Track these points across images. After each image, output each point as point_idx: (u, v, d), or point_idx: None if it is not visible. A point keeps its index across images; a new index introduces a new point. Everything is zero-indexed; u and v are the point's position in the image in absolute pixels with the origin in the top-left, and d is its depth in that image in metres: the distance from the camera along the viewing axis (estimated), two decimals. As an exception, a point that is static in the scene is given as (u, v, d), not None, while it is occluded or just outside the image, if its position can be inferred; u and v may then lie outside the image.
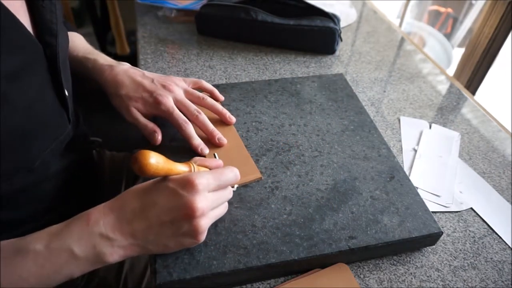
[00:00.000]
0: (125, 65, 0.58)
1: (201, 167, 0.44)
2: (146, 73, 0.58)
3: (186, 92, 0.57)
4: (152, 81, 0.56)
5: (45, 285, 0.37)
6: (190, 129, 0.53)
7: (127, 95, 0.55)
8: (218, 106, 0.58)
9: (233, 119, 0.58)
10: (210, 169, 0.45)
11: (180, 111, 0.54)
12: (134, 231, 0.38)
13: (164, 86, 0.55)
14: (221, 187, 0.42)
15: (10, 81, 0.39)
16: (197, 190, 0.38)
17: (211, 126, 0.55)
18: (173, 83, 0.56)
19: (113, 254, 0.38)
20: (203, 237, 0.40)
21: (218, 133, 0.54)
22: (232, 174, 0.43)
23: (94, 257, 0.37)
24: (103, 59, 0.60)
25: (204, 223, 0.39)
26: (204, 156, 0.52)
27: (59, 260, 0.36)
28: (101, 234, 0.37)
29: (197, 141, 0.53)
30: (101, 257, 0.37)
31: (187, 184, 0.38)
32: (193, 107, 0.55)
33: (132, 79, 0.56)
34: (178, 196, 0.38)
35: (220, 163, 0.46)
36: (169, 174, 0.39)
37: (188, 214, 0.38)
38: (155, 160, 0.36)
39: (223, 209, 0.44)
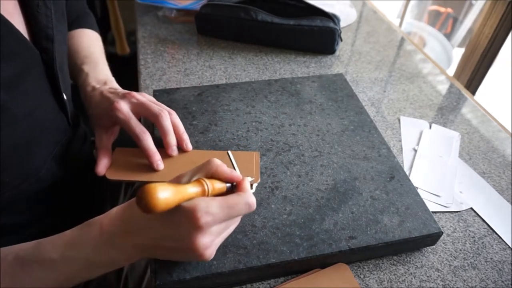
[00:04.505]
0: (105, 87, 0.54)
1: (215, 181, 0.39)
2: (118, 90, 0.53)
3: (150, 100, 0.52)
4: (116, 94, 0.51)
5: (65, 286, 0.38)
6: (148, 140, 0.48)
7: (93, 115, 0.53)
8: (181, 126, 0.52)
9: (190, 147, 0.53)
10: (225, 181, 0.40)
11: (143, 115, 0.50)
12: (142, 245, 0.37)
13: (123, 95, 0.50)
14: (230, 219, 0.37)
15: (8, 89, 0.38)
16: (200, 228, 0.35)
17: (171, 131, 0.50)
18: (135, 92, 0.51)
19: (127, 260, 0.38)
20: (210, 258, 0.38)
21: (174, 144, 0.50)
22: (246, 205, 0.37)
23: (109, 263, 0.38)
24: (94, 76, 0.57)
25: (209, 252, 0.37)
26: (157, 171, 0.49)
27: (76, 267, 0.37)
28: (113, 244, 0.37)
29: (155, 157, 0.49)
30: (116, 263, 0.38)
31: (192, 220, 0.34)
32: (155, 107, 0.49)
33: (102, 96, 0.52)
34: (181, 230, 0.35)
35: (238, 175, 0.40)
36: (182, 202, 0.35)
37: (191, 248, 0.36)
38: (163, 195, 0.31)
39: (231, 230, 0.40)
